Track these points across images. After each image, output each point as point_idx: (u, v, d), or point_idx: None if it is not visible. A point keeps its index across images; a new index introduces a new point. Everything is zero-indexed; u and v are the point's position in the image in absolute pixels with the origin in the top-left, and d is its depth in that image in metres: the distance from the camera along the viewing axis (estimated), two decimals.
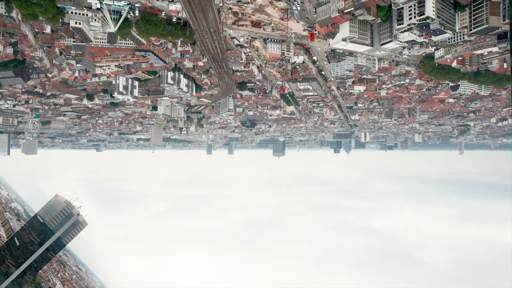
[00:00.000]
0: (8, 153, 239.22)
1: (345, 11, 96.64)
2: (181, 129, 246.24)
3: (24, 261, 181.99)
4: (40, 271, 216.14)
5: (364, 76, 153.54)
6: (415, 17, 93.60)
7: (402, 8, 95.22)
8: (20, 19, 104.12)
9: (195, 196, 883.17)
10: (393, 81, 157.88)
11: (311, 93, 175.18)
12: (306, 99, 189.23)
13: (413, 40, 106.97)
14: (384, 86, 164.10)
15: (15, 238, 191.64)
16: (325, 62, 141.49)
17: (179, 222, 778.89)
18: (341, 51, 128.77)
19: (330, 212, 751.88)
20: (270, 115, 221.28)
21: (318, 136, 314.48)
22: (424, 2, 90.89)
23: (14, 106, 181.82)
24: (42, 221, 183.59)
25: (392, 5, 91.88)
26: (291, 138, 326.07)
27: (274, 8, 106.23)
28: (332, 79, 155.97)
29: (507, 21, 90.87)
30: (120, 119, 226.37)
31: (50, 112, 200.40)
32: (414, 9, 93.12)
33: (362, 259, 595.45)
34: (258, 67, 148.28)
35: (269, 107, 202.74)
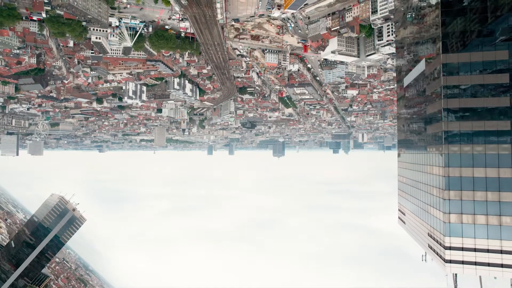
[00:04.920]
0: (17, 154, 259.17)
1: (332, 29, 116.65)
2: (183, 130, 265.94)
3: (21, 263, 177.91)
4: (54, 286, 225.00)
5: (356, 82, 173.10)
6: (392, 34, 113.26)
7: (382, 26, 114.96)
8: (48, 35, 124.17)
9: (196, 196, 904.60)
10: (383, 85, 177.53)
11: (308, 97, 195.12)
12: (303, 102, 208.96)
13: (393, 53, 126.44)
14: (375, 90, 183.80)
15: (12, 242, 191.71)
16: (319, 69, 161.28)
17: (181, 221, 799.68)
18: (333, 60, 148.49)
19: (329, 211, 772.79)
20: (270, 117, 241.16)
21: (317, 137, 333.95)
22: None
23: (28, 109, 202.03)
24: (36, 220, 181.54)
25: (372, 25, 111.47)
26: (291, 139, 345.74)
27: (271, 25, 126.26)
28: (327, 84, 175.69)
29: None
30: (125, 121, 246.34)
31: (60, 114, 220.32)
32: (392, 28, 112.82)
33: (360, 256, 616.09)
34: (257, 73, 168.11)
35: (268, 110, 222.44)
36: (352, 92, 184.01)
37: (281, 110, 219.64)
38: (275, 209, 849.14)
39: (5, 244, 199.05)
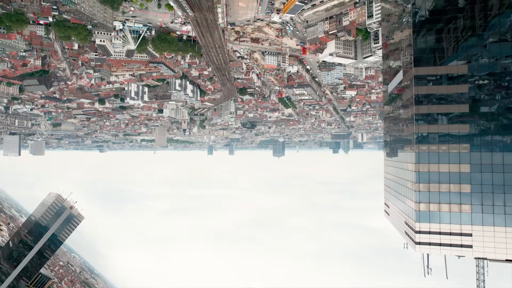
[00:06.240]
0: (19, 154, 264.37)
1: (330, 33, 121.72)
2: (184, 130, 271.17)
3: (19, 263, 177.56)
4: None
5: (354, 83, 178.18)
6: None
7: (378, 30, 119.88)
8: (54, 38, 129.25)
9: (196, 196, 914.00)
10: (381, 86, 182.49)
11: (307, 97, 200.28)
12: (302, 103, 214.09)
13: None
14: (373, 91, 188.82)
15: (10, 242, 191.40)
16: (318, 71, 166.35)
17: (182, 221, 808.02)
18: (331, 62, 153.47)
19: (329, 211, 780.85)
20: (269, 117, 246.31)
21: (317, 137, 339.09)
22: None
23: (31, 110, 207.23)
24: (34, 219, 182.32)
25: (368, 28, 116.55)
26: (291, 139, 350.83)
27: (271, 28, 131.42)
28: (326, 85, 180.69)
29: None
30: (126, 121, 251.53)
31: (62, 115, 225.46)
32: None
33: (359, 255, 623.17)
34: (257, 75, 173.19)
35: (268, 110, 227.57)
36: (351, 93, 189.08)
37: (280, 110, 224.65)
38: (275, 208, 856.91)
39: (4, 244, 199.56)
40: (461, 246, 51.63)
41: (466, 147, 51.80)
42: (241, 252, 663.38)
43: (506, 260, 50.75)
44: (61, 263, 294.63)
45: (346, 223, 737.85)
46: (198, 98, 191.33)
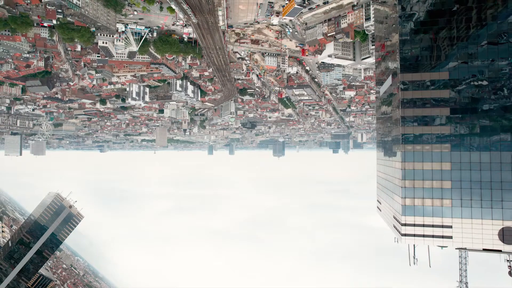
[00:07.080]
0: (20, 154, 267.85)
1: (328, 35, 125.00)
2: (184, 130, 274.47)
3: (18, 262, 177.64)
4: None
5: (353, 83, 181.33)
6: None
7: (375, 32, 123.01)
8: (57, 40, 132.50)
9: (196, 196, 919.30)
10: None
11: (306, 98, 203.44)
12: (302, 103, 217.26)
13: None
14: (372, 91, 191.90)
15: (9, 241, 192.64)
16: (317, 71, 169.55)
17: (182, 221, 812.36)
18: (330, 63, 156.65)
19: (329, 210, 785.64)
20: (269, 117, 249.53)
21: (317, 137, 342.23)
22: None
23: (33, 110, 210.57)
24: (33, 218, 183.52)
25: (365, 31, 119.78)
26: (291, 139, 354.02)
27: (270, 30, 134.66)
28: (325, 85, 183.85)
29: None
30: (127, 121, 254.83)
31: (64, 115, 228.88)
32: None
33: (359, 254, 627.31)
34: (257, 75, 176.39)
35: (268, 110, 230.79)
36: (350, 93, 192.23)
37: (280, 110, 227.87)
38: (275, 208, 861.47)
39: (3, 245, 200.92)
40: (442, 237, 56.65)
41: (447, 147, 57.23)
42: (241, 252, 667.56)
43: (483, 249, 55.40)
44: (64, 266, 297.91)
45: (346, 222, 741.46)
46: (199, 98, 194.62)
